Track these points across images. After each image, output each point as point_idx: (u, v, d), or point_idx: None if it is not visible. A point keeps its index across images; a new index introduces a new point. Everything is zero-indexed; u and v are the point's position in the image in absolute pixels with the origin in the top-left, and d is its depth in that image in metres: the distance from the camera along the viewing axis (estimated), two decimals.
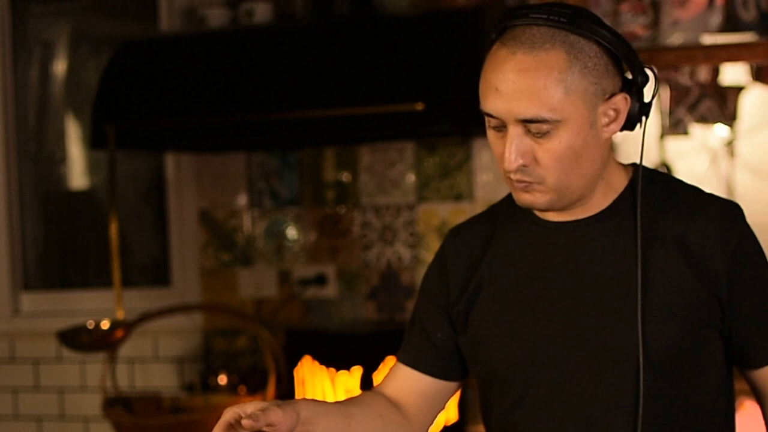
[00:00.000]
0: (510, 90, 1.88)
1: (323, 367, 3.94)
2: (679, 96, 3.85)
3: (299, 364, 4.01)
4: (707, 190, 2.03)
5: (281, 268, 4.42)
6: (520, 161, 1.89)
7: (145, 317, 4.09)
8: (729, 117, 3.82)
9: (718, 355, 1.97)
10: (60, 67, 4.80)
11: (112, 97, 4.07)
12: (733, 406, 2.05)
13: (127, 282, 4.42)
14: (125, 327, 3.96)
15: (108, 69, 4.12)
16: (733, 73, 3.82)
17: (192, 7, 4.41)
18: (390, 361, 3.84)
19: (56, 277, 4.86)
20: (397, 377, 2.17)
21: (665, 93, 3.85)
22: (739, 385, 2.07)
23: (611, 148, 1.99)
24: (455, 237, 2.12)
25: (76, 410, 4.65)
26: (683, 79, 3.85)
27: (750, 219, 2.01)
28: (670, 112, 3.85)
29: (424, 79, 3.68)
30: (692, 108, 3.83)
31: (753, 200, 3.74)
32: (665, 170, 3.79)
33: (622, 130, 1.95)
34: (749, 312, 1.95)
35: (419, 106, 3.58)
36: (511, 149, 1.89)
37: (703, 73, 3.84)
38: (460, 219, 4.19)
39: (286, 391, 4.04)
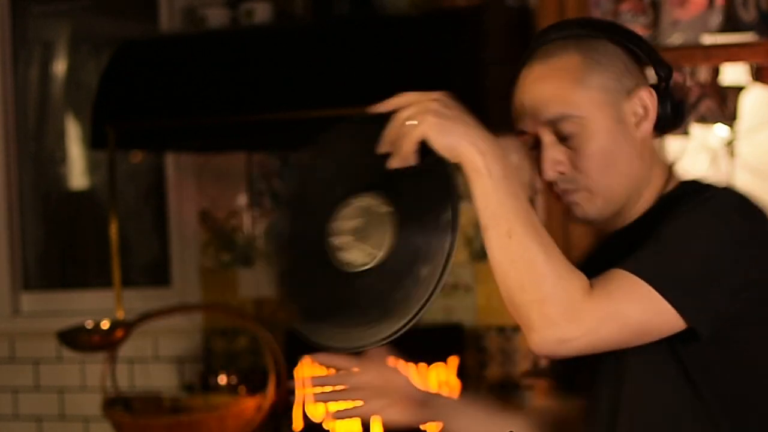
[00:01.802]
0: (531, 100, 1.91)
1: (323, 368, 3.93)
2: (679, 96, 3.85)
3: (299, 364, 4.01)
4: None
5: None
6: (558, 168, 1.89)
7: (145, 317, 4.09)
8: (729, 117, 3.82)
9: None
10: (60, 67, 4.80)
11: (112, 97, 4.07)
12: None
13: (127, 282, 4.41)
14: (125, 327, 3.96)
15: (108, 69, 4.12)
16: (733, 73, 3.82)
17: (192, 7, 4.41)
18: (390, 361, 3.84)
19: (56, 277, 4.86)
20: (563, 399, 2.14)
21: None
22: None
23: (655, 151, 1.95)
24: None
25: (76, 410, 4.65)
26: (683, 79, 3.85)
27: None
28: None
29: (424, 79, 3.68)
30: (692, 108, 3.83)
31: None
32: None
33: (663, 133, 1.94)
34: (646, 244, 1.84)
35: None
36: (545, 157, 1.90)
37: (703, 73, 3.84)
38: (460, 219, 4.19)
39: (286, 391, 4.04)
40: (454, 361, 4.00)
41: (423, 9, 4.06)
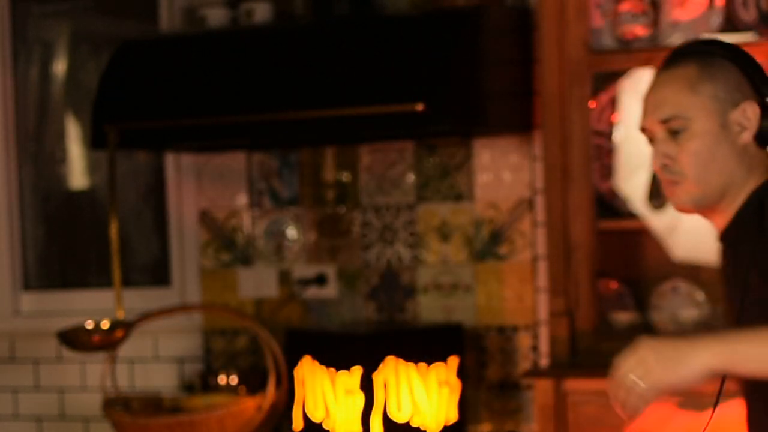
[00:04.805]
0: (651, 101, 2.24)
1: (323, 367, 3.94)
2: None
3: (299, 364, 4.01)
4: None
5: (281, 268, 4.42)
6: (664, 160, 2.21)
7: (145, 317, 4.09)
8: None
9: None
10: (60, 67, 4.80)
11: (112, 97, 4.07)
12: None
13: (127, 282, 4.41)
14: (125, 327, 3.96)
15: (108, 69, 4.12)
16: None
17: (192, 7, 4.41)
18: (390, 361, 3.84)
19: (56, 277, 4.85)
20: None
21: None
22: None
23: (756, 160, 2.22)
24: None
25: (76, 410, 4.65)
26: None
27: None
28: None
29: (424, 79, 3.68)
30: None
31: None
32: None
33: (763, 144, 2.21)
34: None
35: (419, 106, 3.58)
36: (655, 150, 2.22)
37: None
38: (460, 219, 4.20)
39: (286, 391, 4.05)
40: (454, 361, 4.00)
41: (423, 9, 4.06)
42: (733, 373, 2.02)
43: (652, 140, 2.25)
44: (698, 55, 2.23)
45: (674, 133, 2.20)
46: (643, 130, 2.27)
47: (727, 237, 2.25)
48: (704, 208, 2.24)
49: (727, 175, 2.21)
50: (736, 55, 2.24)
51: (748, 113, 2.20)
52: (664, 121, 2.21)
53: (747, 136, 2.21)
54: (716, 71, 2.21)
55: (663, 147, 2.22)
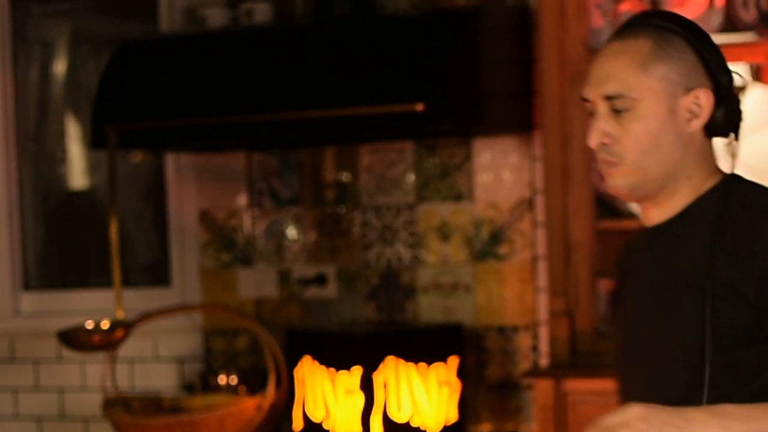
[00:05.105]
0: (598, 72, 2.08)
1: (323, 367, 3.94)
2: None
3: (299, 364, 4.01)
4: None
5: (281, 268, 4.42)
6: (603, 139, 2.06)
7: (145, 317, 4.09)
8: None
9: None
10: (60, 67, 4.80)
11: (112, 97, 4.07)
12: None
13: (127, 282, 4.41)
14: (125, 327, 3.96)
15: (108, 69, 4.12)
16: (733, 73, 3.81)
17: (192, 7, 4.41)
18: (390, 361, 3.84)
19: (56, 277, 4.85)
20: None
21: None
22: None
23: (703, 150, 2.08)
24: (621, 254, 2.32)
25: (76, 410, 4.65)
26: None
27: None
28: None
29: (424, 79, 3.68)
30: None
31: None
32: None
33: (712, 135, 2.08)
34: None
35: (419, 106, 3.58)
36: (595, 126, 2.07)
37: None
38: (460, 219, 4.20)
39: (286, 391, 4.04)
40: (454, 361, 4.00)
41: (423, 9, 4.06)
42: None
43: (592, 113, 2.09)
44: (656, 29, 2.06)
45: (618, 112, 2.05)
46: (585, 100, 2.11)
47: (664, 231, 2.10)
48: (640, 196, 2.09)
49: (669, 165, 2.06)
50: (696, 36, 2.06)
51: (701, 100, 2.05)
52: (609, 98, 2.05)
53: (696, 125, 2.06)
54: (672, 51, 2.04)
55: (604, 124, 2.06)
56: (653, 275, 2.08)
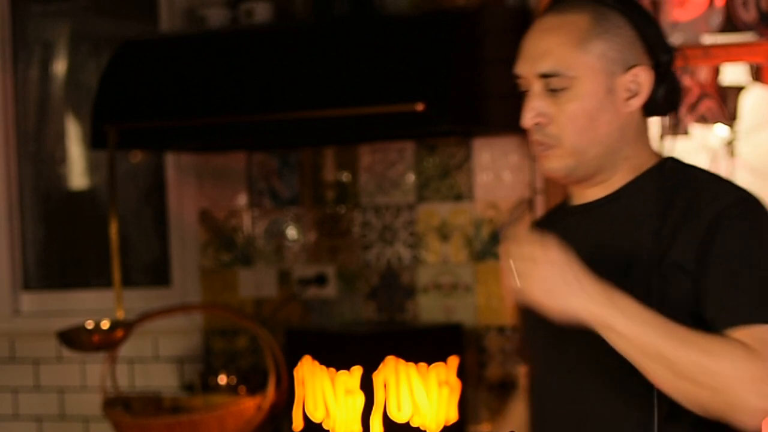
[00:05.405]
0: (533, 48, 1.98)
1: (323, 367, 3.94)
2: None
3: (299, 364, 4.01)
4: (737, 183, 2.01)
5: (281, 268, 4.42)
6: (537, 119, 1.98)
7: (145, 317, 4.09)
8: (729, 117, 3.82)
9: None
10: (60, 67, 4.80)
11: (112, 97, 4.07)
12: None
13: (127, 282, 4.41)
14: (125, 327, 3.96)
15: (108, 69, 4.12)
16: (733, 73, 3.82)
17: (192, 7, 4.41)
18: (390, 361, 3.85)
19: (56, 277, 4.85)
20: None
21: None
22: None
23: (641, 129, 2.01)
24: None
25: (76, 410, 4.65)
26: (683, 79, 3.85)
27: None
28: None
29: (424, 79, 3.67)
30: (692, 108, 3.83)
31: None
32: None
33: (652, 114, 2.00)
34: (714, 279, 1.88)
35: (419, 106, 3.58)
36: (529, 106, 1.98)
37: (703, 73, 3.84)
38: (460, 219, 4.19)
39: (286, 391, 4.04)
40: (454, 361, 4.00)
41: (423, 9, 4.06)
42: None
43: (525, 91, 2.01)
44: (593, 3, 1.97)
45: (554, 91, 1.96)
46: (518, 77, 2.02)
47: (596, 209, 2.01)
48: (578, 178, 2.00)
49: (607, 146, 1.97)
50: (634, 11, 1.97)
51: (640, 78, 1.96)
52: (545, 76, 1.96)
53: (636, 104, 1.98)
54: (610, 27, 1.95)
55: (539, 103, 1.98)
56: (585, 254, 1.93)
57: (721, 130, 3.87)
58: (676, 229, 1.91)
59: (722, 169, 3.87)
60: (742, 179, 3.83)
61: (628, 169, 2.00)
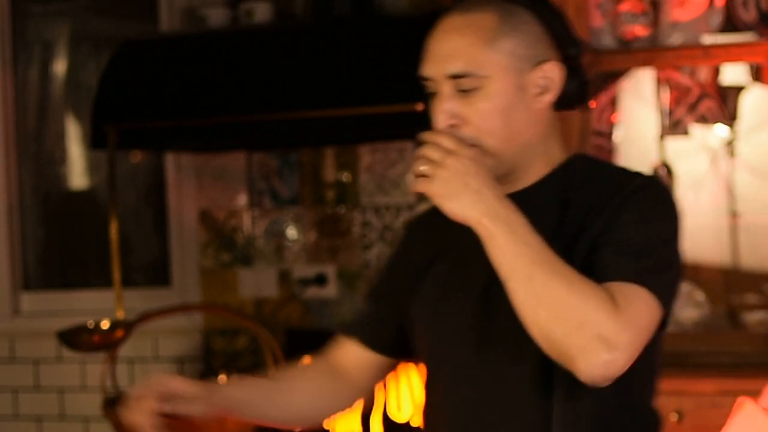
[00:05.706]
0: (440, 49, 1.95)
1: None
2: (679, 96, 3.85)
3: None
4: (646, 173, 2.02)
5: (281, 268, 4.42)
6: (450, 121, 1.94)
7: (145, 317, 4.09)
8: (729, 117, 3.82)
9: None
10: (60, 67, 4.80)
11: (112, 97, 4.07)
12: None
13: (127, 282, 4.41)
14: (125, 327, 3.96)
15: (108, 69, 4.12)
16: (733, 73, 3.82)
17: (192, 7, 4.41)
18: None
19: (56, 277, 4.85)
20: (343, 348, 2.38)
21: (665, 93, 3.85)
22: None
23: (552, 124, 2.00)
24: (410, 225, 2.24)
25: (76, 410, 4.65)
26: (683, 79, 3.85)
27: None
28: (670, 112, 3.85)
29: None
30: (692, 108, 3.83)
31: (753, 200, 3.74)
32: (665, 170, 3.79)
33: (564, 108, 1.98)
34: (610, 248, 1.88)
35: (419, 106, 3.58)
36: (440, 108, 1.94)
37: (703, 73, 3.84)
38: None
39: None
40: None
41: (423, 9, 4.06)
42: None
43: (433, 94, 1.97)
44: (497, 0, 1.94)
45: (464, 92, 1.92)
46: (425, 79, 1.98)
47: (517, 200, 1.92)
48: (496, 177, 1.92)
49: (521, 144, 1.94)
50: (539, 6, 1.96)
51: (551, 74, 1.94)
52: (455, 77, 1.93)
53: (547, 99, 1.95)
54: (517, 23, 1.93)
55: (450, 105, 1.94)
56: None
57: (721, 130, 3.88)
58: (581, 224, 1.92)
59: (722, 169, 3.87)
60: (742, 179, 3.84)
61: (543, 164, 2.00)
